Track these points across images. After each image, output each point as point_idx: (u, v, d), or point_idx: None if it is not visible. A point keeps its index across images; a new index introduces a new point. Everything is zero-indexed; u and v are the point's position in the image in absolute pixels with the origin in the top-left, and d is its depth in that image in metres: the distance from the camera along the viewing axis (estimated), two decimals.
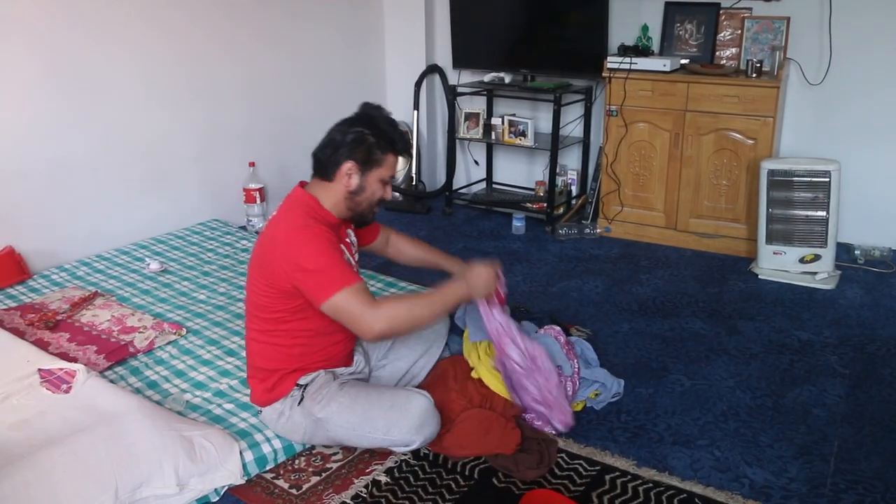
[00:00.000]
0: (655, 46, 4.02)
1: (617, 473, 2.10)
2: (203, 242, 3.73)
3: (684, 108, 3.70)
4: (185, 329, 2.79)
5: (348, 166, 2.02)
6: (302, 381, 2.12)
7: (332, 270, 1.94)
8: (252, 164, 4.13)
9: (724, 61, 3.87)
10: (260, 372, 2.15)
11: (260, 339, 2.12)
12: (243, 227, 4.09)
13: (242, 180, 4.12)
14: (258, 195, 4.09)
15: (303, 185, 2.14)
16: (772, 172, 3.42)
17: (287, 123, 4.27)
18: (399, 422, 2.05)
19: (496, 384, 2.34)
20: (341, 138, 2.03)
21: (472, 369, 2.40)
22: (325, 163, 2.05)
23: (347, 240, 2.20)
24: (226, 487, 2.04)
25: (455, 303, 2.10)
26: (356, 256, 2.26)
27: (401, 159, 2.14)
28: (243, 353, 2.52)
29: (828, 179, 3.36)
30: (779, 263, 3.50)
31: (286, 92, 4.33)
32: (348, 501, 2.00)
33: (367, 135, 2.02)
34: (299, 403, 2.10)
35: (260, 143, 4.22)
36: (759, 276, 3.50)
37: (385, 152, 2.05)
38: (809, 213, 3.41)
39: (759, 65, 3.60)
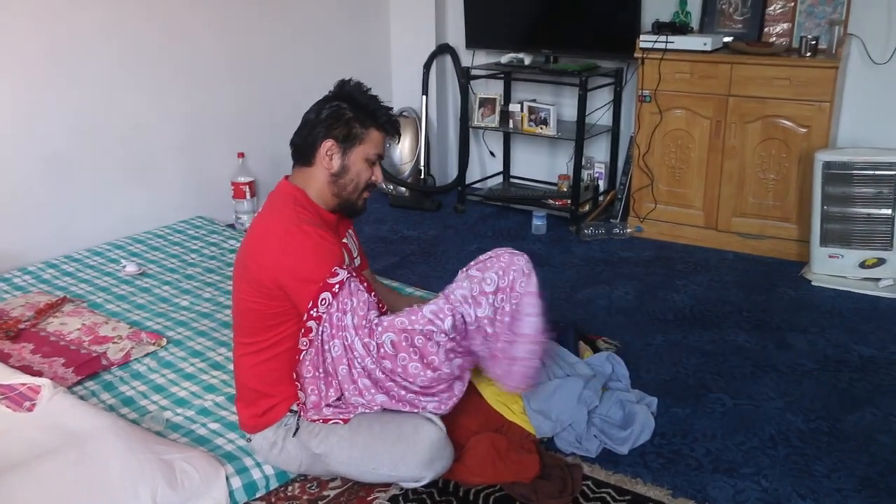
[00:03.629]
0: (695, 23, 3.99)
1: None
2: (186, 242, 3.73)
3: (727, 92, 3.67)
4: (165, 339, 2.79)
5: (328, 145, 2.04)
6: (295, 407, 2.10)
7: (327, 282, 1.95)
8: (241, 155, 4.13)
9: (774, 39, 3.83)
10: (250, 393, 2.12)
11: (252, 356, 2.10)
12: (231, 226, 4.09)
13: (230, 173, 4.11)
14: (248, 189, 4.08)
15: (287, 177, 2.14)
16: (828, 165, 3.39)
17: (281, 110, 4.25)
18: (407, 457, 2.03)
19: (510, 412, 2.34)
20: (316, 116, 2.05)
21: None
22: (302, 146, 2.07)
23: (345, 240, 2.19)
24: None
25: None
26: (357, 261, 2.25)
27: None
28: (231, 366, 2.50)
29: (893, 172, 3.32)
30: (835, 268, 3.47)
31: (280, 75, 4.33)
32: None
33: (344, 109, 2.04)
34: (294, 434, 2.08)
35: (250, 131, 4.21)
36: (813, 283, 3.48)
37: (366, 127, 2.06)
38: (871, 211, 3.38)
39: (814, 42, 3.57)
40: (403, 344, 1.95)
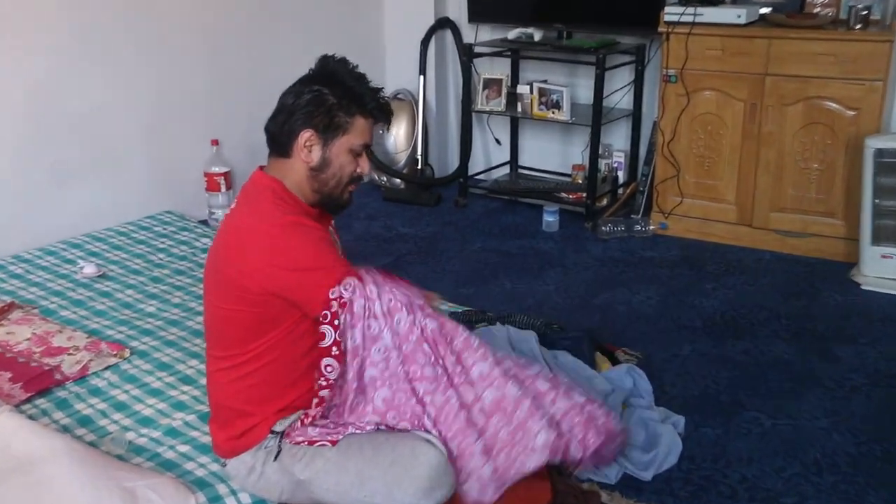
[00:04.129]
0: None
1: None
2: (153, 240, 3.72)
3: (764, 71, 3.66)
4: (128, 350, 2.77)
5: (306, 136, 2.02)
6: (278, 428, 2.08)
7: (329, 265, 1.95)
8: (215, 142, 4.12)
9: (819, 9, 3.80)
10: (226, 413, 2.11)
11: (228, 371, 2.08)
12: (204, 222, 4.08)
13: (203, 162, 4.10)
14: (223, 181, 4.08)
15: (262, 167, 2.13)
16: (880, 152, 3.38)
17: (260, 91, 4.17)
18: (403, 483, 1.99)
19: None
20: (294, 102, 2.03)
21: None
22: (278, 135, 2.06)
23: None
24: None
25: None
26: None
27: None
28: (203, 381, 2.48)
29: None
30: (889, 270, 3.47)
31: (260, 51, 4.31)
32: None
33: (326, 94, 2.02)
34: (275, 458, 2.06)
35: (226, 115, 4.20)
36: (862, 287, 3.48)
37: (351, 114, 2.03)
38: None
39: (865, 13, 3.55)
40: (440, 338, 2.00)
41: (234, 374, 2.05)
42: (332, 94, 2.02)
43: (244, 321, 2.01)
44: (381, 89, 2.10)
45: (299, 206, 2.06)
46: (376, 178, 4.74)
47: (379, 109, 2.08)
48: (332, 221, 2.25)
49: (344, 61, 2.08)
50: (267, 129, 2.08)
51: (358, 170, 2.09)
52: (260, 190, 2.05)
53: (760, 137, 3.74)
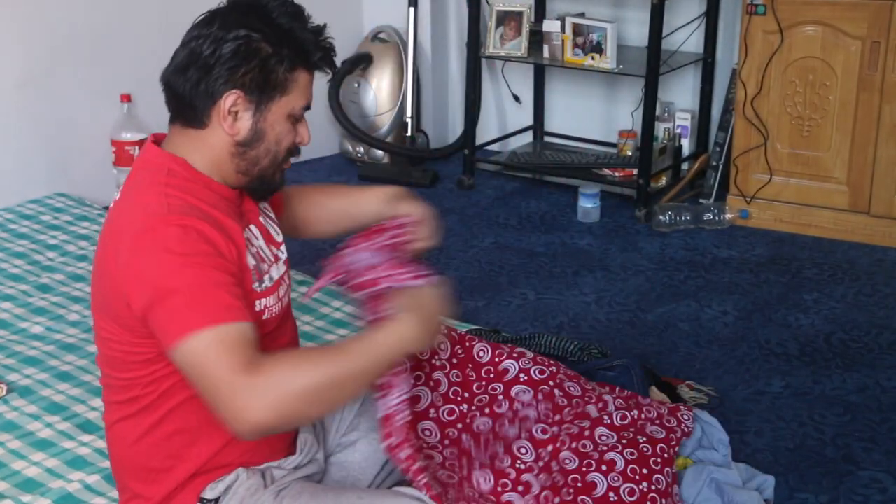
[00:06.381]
0: None
1: None
2: (39, 234, 3.73)
3: None
4: (5, 386, 2.77)
5: (231, 100, 1.97)
6: (209, 495, 2.06)
7: (199, 293, 1.85)
8: (126, 99, 4.13)
9: None
10: (134, 476, 2.10)
11: (133, 420, 2.06)
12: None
13: (110, 126, 4.12)
14: (137, 152, 4.06)
15: (158, 139, 2.08)
16: None
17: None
18: None
19: None
20: (213, 51, 1.98)
21: None
22: (189, 98, 2.00)
23: (261, 219, 2.16)
24: None
25: (398, 356, 1.99)
26: (282, 253, 2.20)
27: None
28: None
29: None
30: None
31: None
32: None
33: (257, 41, 1.97)
34: None
35: (139, 61, 4.14)
36: None
37: (292, 68, 2.00)
38: None
39: None
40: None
41: (144, 420, 2.03)
42: (266, 41, 1.98)
43: (142, 353, 1.97)
44: (323, 28, 2.07)
45: (209, 193, 2.01)
46: (350, 149, 4.74)
47: (324, 58, 2.06)
48: (262, 206, 2.19)
49: None
50: (168, 85, 2.04)
51: (297, 140, 2.07)
52: (153, 171, 2.00)
53: (885, 90, 3.75)
